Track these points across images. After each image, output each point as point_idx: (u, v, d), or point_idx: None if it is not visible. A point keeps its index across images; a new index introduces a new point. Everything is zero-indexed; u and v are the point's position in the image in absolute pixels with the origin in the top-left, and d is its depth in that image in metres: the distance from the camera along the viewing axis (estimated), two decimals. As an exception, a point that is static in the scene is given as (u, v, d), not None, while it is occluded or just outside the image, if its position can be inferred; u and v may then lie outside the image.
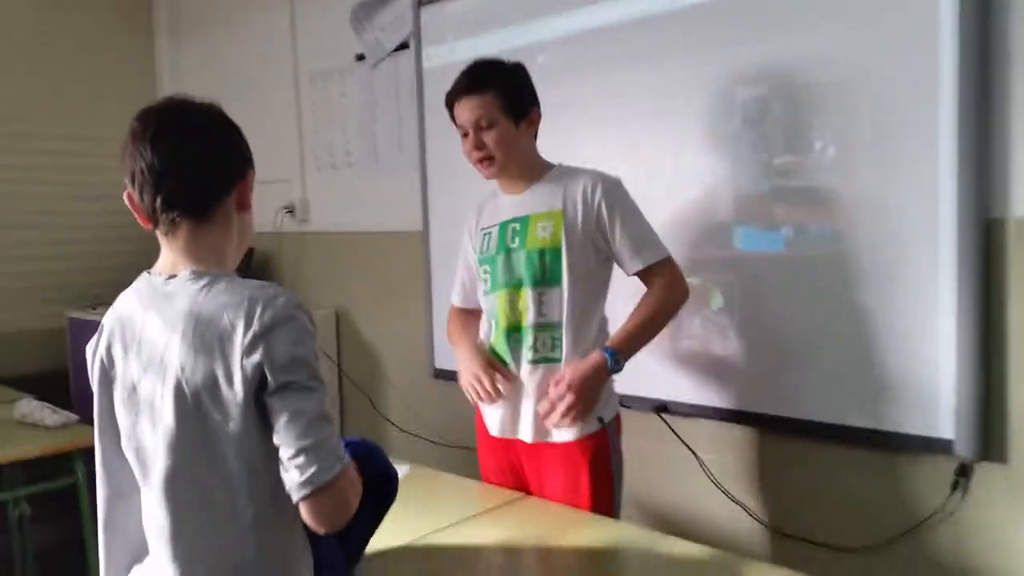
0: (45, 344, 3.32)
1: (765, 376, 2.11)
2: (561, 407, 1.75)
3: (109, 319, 1.23)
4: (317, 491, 1.08)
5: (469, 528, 1.70)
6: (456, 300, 2.11)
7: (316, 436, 1.09)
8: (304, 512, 1.11)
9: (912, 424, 1.88)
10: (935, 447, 1.85)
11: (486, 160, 1.85)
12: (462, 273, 2.08)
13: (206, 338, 1.10)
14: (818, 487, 2.08)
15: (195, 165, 1.17)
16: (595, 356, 1.78)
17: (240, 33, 3.83)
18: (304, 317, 1.14)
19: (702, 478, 2.26)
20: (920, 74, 1.81)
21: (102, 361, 1.21)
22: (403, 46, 3.05)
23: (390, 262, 3.22)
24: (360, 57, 3.24)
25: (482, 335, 1.96)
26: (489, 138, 1.82)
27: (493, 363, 1.89)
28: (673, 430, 2.28)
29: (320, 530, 1.14)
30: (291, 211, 3.59)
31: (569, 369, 1.78)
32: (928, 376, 1.85)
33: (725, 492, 2.23)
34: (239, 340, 1.09)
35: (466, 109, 1.83)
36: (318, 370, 1.14)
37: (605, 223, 1.83)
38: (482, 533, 1.68)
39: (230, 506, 1.13)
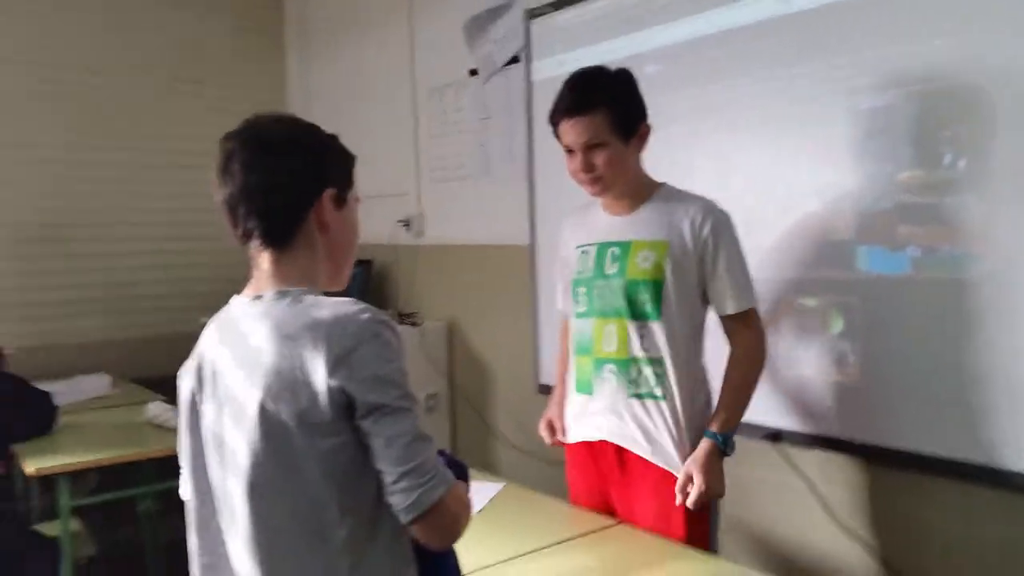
0: (178, 348, 3.52)
1: (886, 406, 1.95)
2: (693, 498, 1.71)
3: (203, 339, 1.23)
4: (425, 514, 1.07)
5: (555, 555, 1.66)
6: (561, 307, 2.06)
7: (416, 458, 1.07)
8: (416, 534, 1.11)
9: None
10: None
11: (595, 179, 1.79)
12: (560, 280, 2.03)
13: (291, 358, 1.09)
14: (943, 528, 1.91)
15: (264, 195, 1.16)
16: (706, 445, 1.74)
17: (363, 48, 3.95)
18: (389, 333, 1.11)
19: (815, 511, 2.13)
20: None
21: (192, 385, 1.21)
22: (514, 60, 3.05)
23: (499, 275, 3.22)
24: (473, 72, 3.27)
25: (572, 354, 1.92)
26: (599, 159, 1.75)
27: (559, 418, 1.99)
28: (788, 460, 2.16)
29: (436, 547, 1.14)
30: (407, 224, 3.66)
31: (693, 468, 1.72)
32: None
33: (842, 526, 2.08)
34: (323, 360, 1.07)
35: (573, 131, 1.75)
36: (408, 388, 1.10)
37: (709, 258, 1.75)
38: (567, 562, 1.64)
39: (319, 527, 1.11)
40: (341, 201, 1.23)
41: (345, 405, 1.07)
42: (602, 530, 1.78)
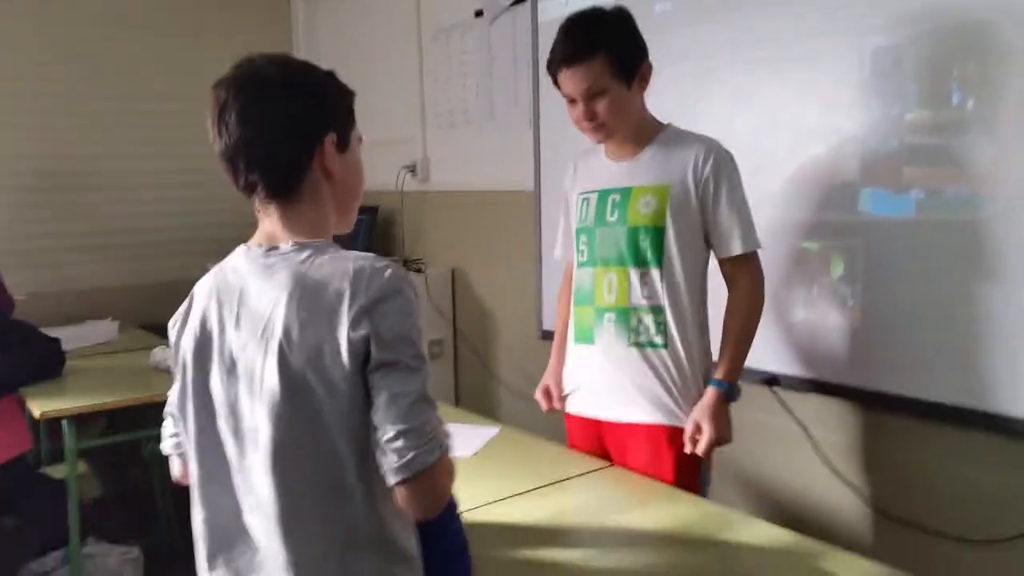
0: (185, 295, 3.55)
1: (885, 351, 1.93)
2: (703, 446, 1.71)
3: (203, 291, 1.17)
4: (416, 476, 1.02)
5: (546, 495, 1.67)
6: (559, 254, 2.04)
7: (417, 419, 1.03)
8: (399, 497, 1.05)
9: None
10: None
11: (599, 127, 1.74)
12: (563, 227, 2.01)
13: (312, 310, 1.05)
14: (937, 473, 1.90)
15: (259, 145, 1.10)
16: (712, 393, 1.73)
17: (369, -8, 3.89)
18: (410, 291, 1.08)
19: (809, 455, 2.13)
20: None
21: (196, 333, 1.14)
22: (520, 0, 2.98)
23: (504, 221, 3.19)
24: (479, 13, 3.20)
25: (572, 304, 1.90)
26: (601, 106, 1.70)
27: (558, 383, 1.98)
28: (784, 404, 2.15)
29: (417, 516, 1.09)
30: (412, 169, 3.63)
31: (701, 418, 1.71)
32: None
33: (835, 471, 2.08)
34: (345, 312, 1.04)
35: (573, 79, 1.70)
36: (422, 348, 1.08)
37: (710, 197, 1.72)
38: (557, 502, 1.65)
39: (340, 483, 1.07)
40: (344, 144, 1.17)
41: (363, 359, 1.04)
42: (593, 472, 1.78)
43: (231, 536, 1.15)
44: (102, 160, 3.84)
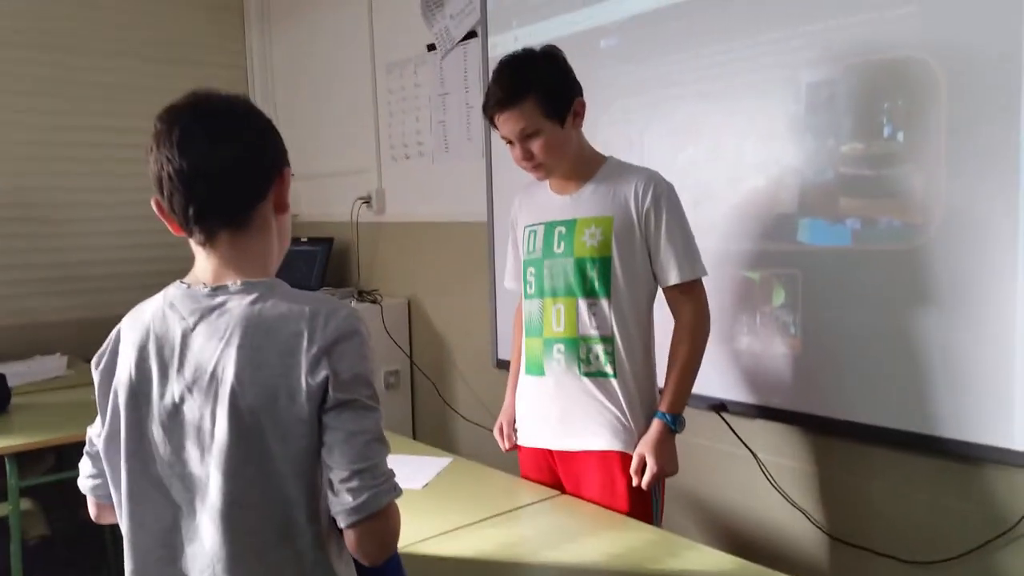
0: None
1: (828, 377, 1.98)
2: (647, 479, 1.73)
3: (132, 330, 1.12)
4: (370, 517, 1.01)
5: (496, 526, 1.67)
6: (510, 284, 2.06)
7: (372, 459, 1.02)
8: (351, 539, 1.04)
9: (985, 435, 1.73)
10: (1010, 460, 1.70)
11: (537, 167, 1.78)
12: (511, 258, 2.03)
13: (265, 352, 1.03)
14: (883, 496, 1.95)
15: (227, 169, 1.07)
16: (657, 426, 1.75)
17: (322, 23, 3.91)
18: (365, 331, 1.07)
19: (760, 480, 2.16)
20: (1004, 56, 1.65)
21: (132, 376, 1.09)
22: (471, 34, 3.03)
23: (458, 252, 3.22)
24: (431, 47, 3.24)
25: (523, 336, 1.92)
26: (536, 146, 1.73)
27: (510, 422, 1.98)
28: (733, 430, 2.19)
29: (365, 560, 1.07)
30: (367, 201, 3.64)
31: (646, 451, 1.73)
32: (1004, 385, 1.69)
33: (785, 495, 2.12)
34: (303, 355, 1.02)
35: (507, 123, 1.73)
36: (376, 388, 1.07)
37: (651, 227, 1.75)
38: (508, 533, 1.65)
39: (291, 527, 1.06)
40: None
41: (320, 401, 1.03)
42: (544, 501, 1.80)
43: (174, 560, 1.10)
44: (51, 192, 3.78)
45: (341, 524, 1.03)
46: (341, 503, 1.02)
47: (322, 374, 1.02)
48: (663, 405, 1.77)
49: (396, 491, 1.05)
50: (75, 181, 3.85)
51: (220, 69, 4.23)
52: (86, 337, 3.70)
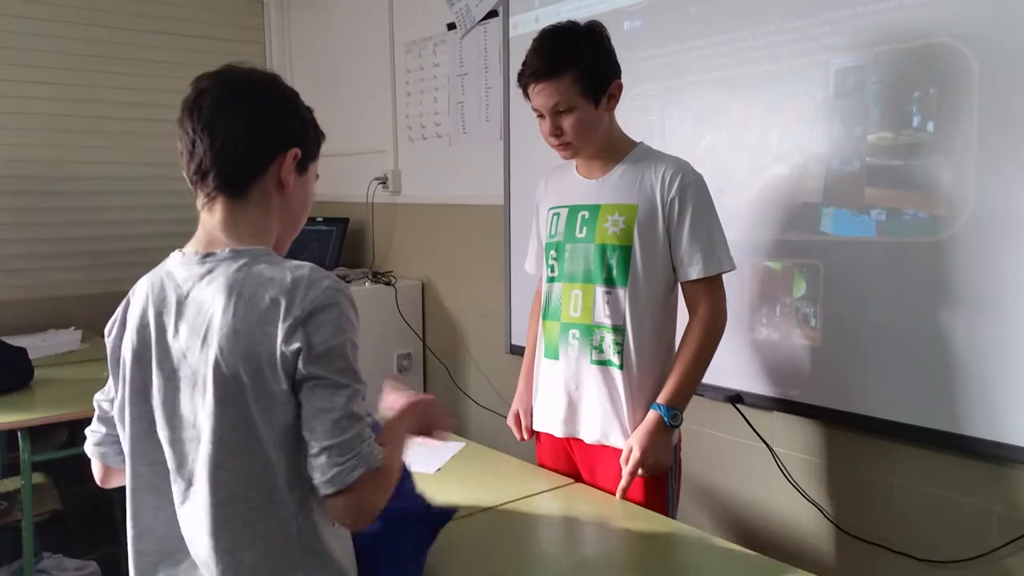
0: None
1: (847, 370, 1.95)
2: (625, 480, 1.68)
3: (139, 297, 1.17)
4: (340, 492, 1.04)
5: (509, 512, 1.65)
6: (531, 268, 2.03)
7: (339, 436, 1.04)
8: (329, 510, 1.09)
9: (1011, 434, 1.69)
10: (1034, 460, 1.66)
11: (565, 144, 1.74)
12: (535, 241, 2.00)
13: (248, 319, 1.05)
14: (901, 493, 1.92)
15: (229, 138, 1.11)
16: (650, 417, 1.69)
17: (342, 2, 3.88)
18: (347, 304, 1.08)
19: (775, 473, 2.13)
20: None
21: (134, 341, 1.13)
22: (492, 14, 2.99)
23: (474, 235, 3.19)
24: (451, 26, 3.20)
25: (541, 319, 1.89)
26: (567, 123, 1.69)
27: (527, 412, 1.96)
28: (748, 422, 2.16)
29: (346, 527, 1.12)
30: (384, 182, 3.62)
31: (633, 441, 1.69)
32: (1030, 382, 1.65)
33: (799, 490, 2.09)
34: (279, 324, 1.04)
35: (541, 95, 1.69)
36: (353, 363, 1.07)
37: (674, 219, 1.70)
38: (521, 519, 1.63)
39: (272, 493, 1.08)
40: (302, 168, 1.19)
41: (293, 371, 1.04)
42: (558, 489, 1.78)
43: (167, 548, 1.14)
44: (67, 166, 3.77)
45: (320, 494, 1.06)
46: (315, 477, 1.05)
47: (295, 345, 1.03)
48: (661, 396, 1.71)
49: (368, 466, 1.05)
50: (93, 155, 3.85)
51: (238, 45, 4.20)
52: (101, 311, 3.67)
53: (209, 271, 1.10)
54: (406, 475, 1.33)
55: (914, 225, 1.81)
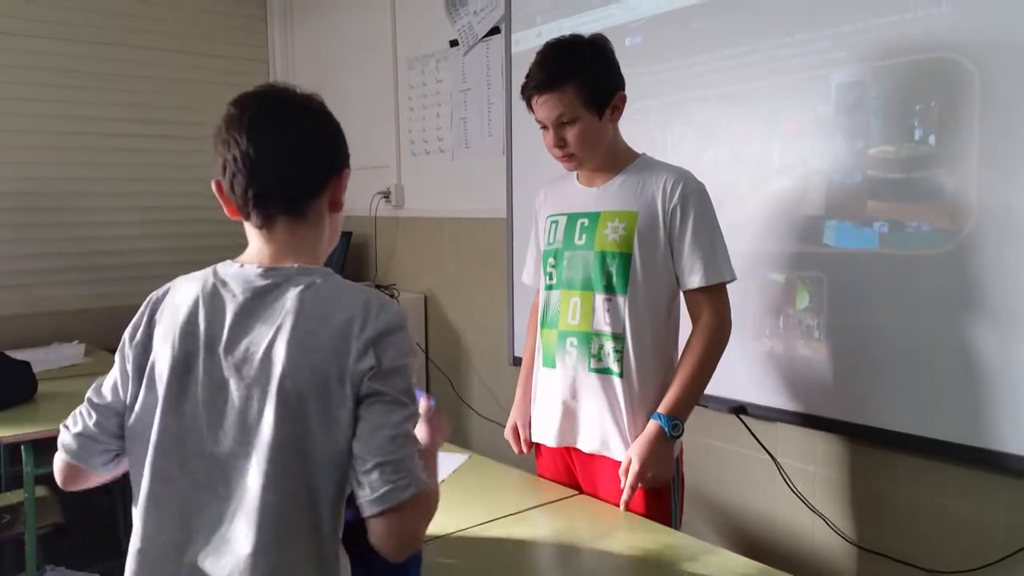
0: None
1: (852, 381, 1.95)
2: (626, 493, 1.67)
3: (176, 305, 1.11)
4: (388, 511, 1.01)
5: (512, 524, 1.65)
6: (528, 279, 2.04)
7: (394, 453, 1.02)
8: (372, 531, 1.04)
9: (1016, 444, 1.69)
10: (1039, 470, 1.67)
11: (569, 156, 1.75)
12: (533, 252, 2.00)
13: (318, 336, 1.04)
14: (908, 504, 1.92)
15: (292, 158, 1.11)
16: (650, 428, 1.69)
17: (345, 17, 3.92)
18: (408, 327, 1.10)
19: (779, 485, 2.14)
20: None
21: (175, 349, 1.08)
22: (494, 31, 3.01)
23: (476, 248, 3.21)
24: (454, 43, 3.23)
25: (539, 327, 1.90)
26: (571, 135, 1.70)
27: (525, 424, 1.95)
28: (752, 433, 2.16)
29: (386, 553, 1.05)
30: (387, 196, 3.64)
31: (632, 452, 1.68)
32: (1034, 392, 1.66)
33: (804, 500, 2.09)
34: (353, 342, 1.04)
35: (545, 107, 1.70)
36: (413, 386, 1.08)
37: (676, 228, 1.71)
38: (524, 531, 1.63)
39: (316, 518, 1.06)
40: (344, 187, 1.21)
41: (359, 388, 1.04)
42: (561, 500, 1.78)
43: (164, 572, 1.07)
44: (71, 182, 3.80)
45: (364, 514, 1.03)
46: (363, 495, 1.03)
47: (367, 362, 1.04)
48: (662, 406, 1.70)
49: (416, 487, 1.03)
50: (97, 171, 3.87)
51: (241, 62, 4.24)
52: (104, 325, 3.74)
53: (276, 285, 1.09)
54: None
55: (917, 237, 1.82)
